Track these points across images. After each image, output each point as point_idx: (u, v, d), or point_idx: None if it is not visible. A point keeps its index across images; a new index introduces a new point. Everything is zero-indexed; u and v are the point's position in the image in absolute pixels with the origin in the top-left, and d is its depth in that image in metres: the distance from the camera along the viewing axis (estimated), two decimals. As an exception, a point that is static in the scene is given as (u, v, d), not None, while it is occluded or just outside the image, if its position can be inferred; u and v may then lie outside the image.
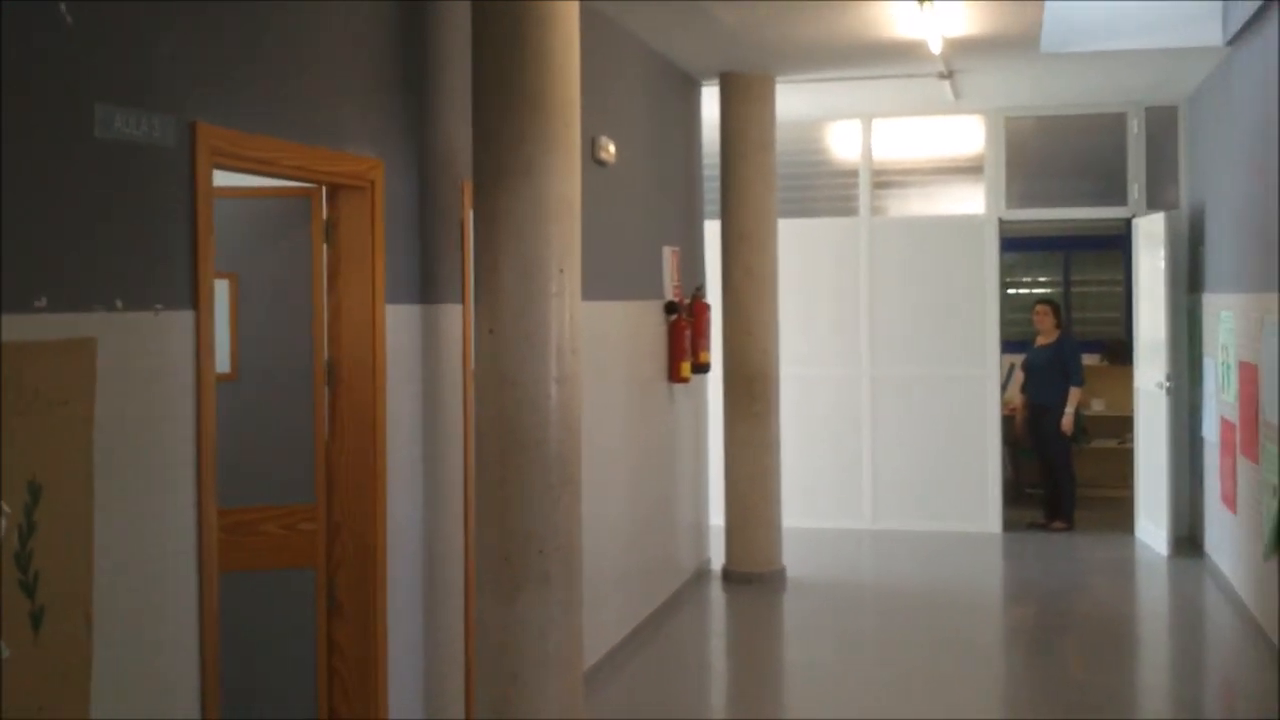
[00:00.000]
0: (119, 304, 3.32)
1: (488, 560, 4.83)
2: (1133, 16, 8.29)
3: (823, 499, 10.73)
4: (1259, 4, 7.13)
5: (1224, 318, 8.47)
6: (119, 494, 3.30)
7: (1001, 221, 10.71)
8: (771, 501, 9.04)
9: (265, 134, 4.00)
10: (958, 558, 9.84)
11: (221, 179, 3.98)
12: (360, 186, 4.59)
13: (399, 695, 4.78)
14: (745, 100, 8.99)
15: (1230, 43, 8.12)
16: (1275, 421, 6.84)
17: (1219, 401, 8.65)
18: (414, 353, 4.95)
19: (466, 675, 5.28)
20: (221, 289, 4.62)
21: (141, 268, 3.43)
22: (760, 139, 9.01)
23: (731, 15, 7.30)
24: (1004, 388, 10.99)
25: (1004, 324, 10.78)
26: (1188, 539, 9.84)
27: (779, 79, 9.08)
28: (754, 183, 8.99)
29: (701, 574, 9.10)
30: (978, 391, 10.62)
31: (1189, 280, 10.01)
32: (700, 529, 9.24)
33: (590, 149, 6.70)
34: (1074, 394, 10.49)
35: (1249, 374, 7.55)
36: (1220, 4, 8.17)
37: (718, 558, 9.24)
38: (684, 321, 8.37)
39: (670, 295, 8.34)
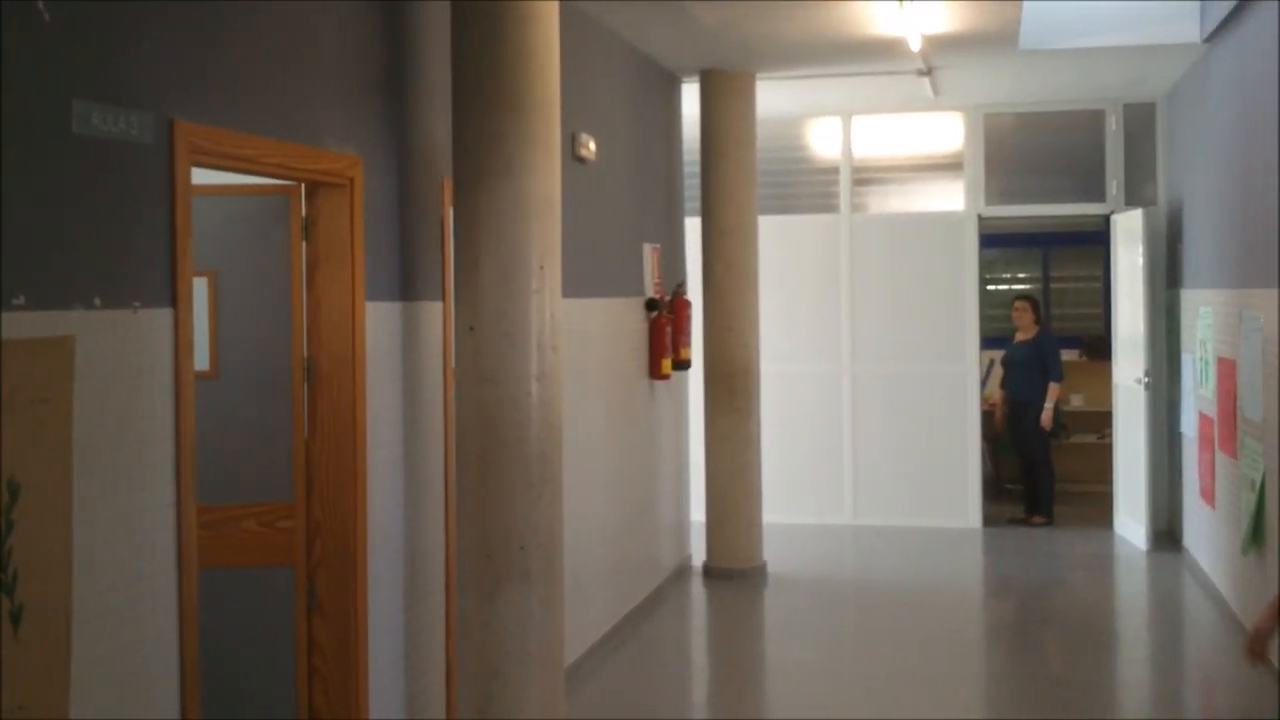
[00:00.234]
0: (97, 302, 3.30)
1: (469, 558, 4.83)
2: (1111, 14, 8.33)
3: (804, 495, 10.76)
4: (1236, 1, 7.17)
5: (1202, 313, 8.52)
6: (98, 492, 3.29)
7: (981, 218, 10.75)
8: (752, 497, 9.06)
9: (244, 131, 3.99)
10: (938, 553, 9.87)
11: (201, 176, 3.97)
12: (340, 184, 4.58)
13: (379, 693, 4.77)
14: (726, 97, 9.00)
15: (1207, 40, 8.16)
16: (1253, 417, 6.88)
17: (1197, 397, 8.70)
18: (394, 350, 4.95)
19: (448, 673, 5.28)
20: (200, 287, 4.58)
21: (120, 265, 3.42)
22: (741, 136, 9.02)
23: (711, 13, 7.30)
24: (984, 383, 11.03)
25: (983, 320, 10.82)
26: (1166, 534, 9.89)
27: (759, 76, 9.09)
28: (735, 180, 9.00)
29: (683, 570, 9.12)
30: (958, 387, 10.66)
31: (1167, 276, 10.06)
32: (681, 525, 9.25)
33: (570, 146, 6.70)
34: (1053, 389, 10.53)
35: (1227, 369, 7.60)
36: (1197, 2, 8.21)
37: (699, 554, 9.26)
38: (665, 318, 8.38)
39: (651, 292, 8.34)
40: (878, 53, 8.41)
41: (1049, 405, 10.49)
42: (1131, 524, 9.97)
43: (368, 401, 4.68)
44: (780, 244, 10.58)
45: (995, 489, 11.56)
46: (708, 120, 9.04)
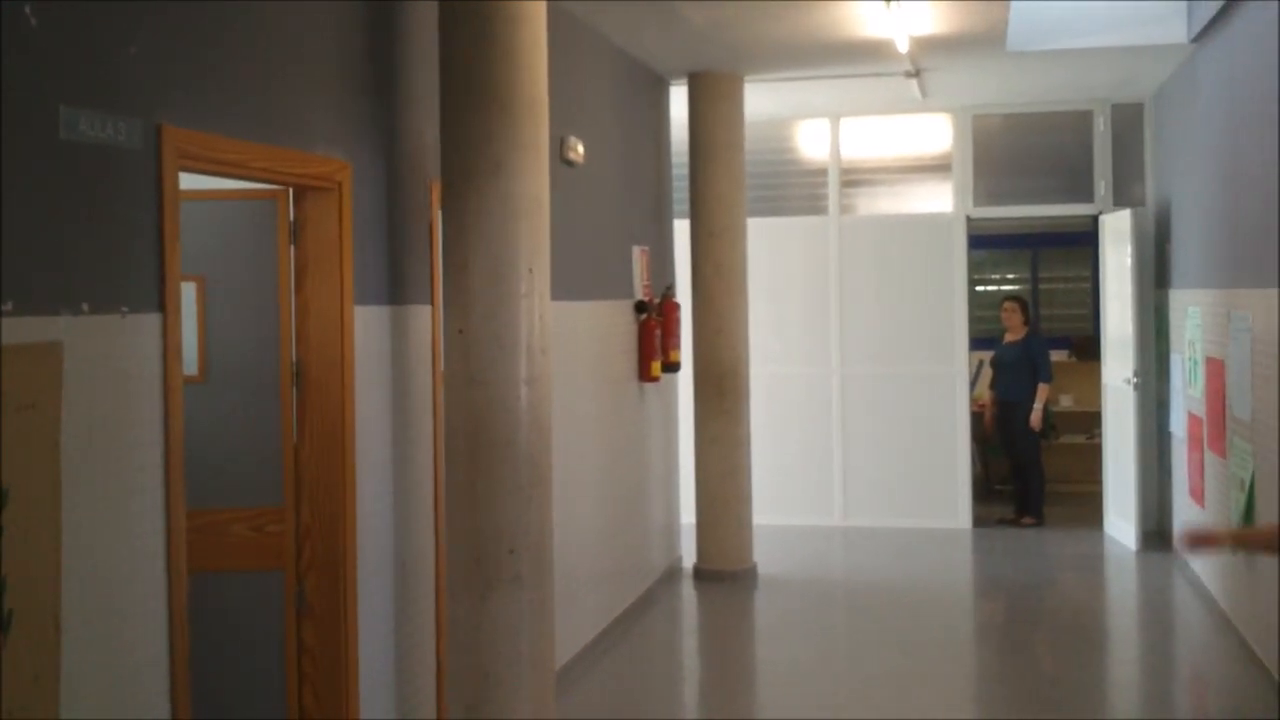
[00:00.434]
0: (85, 307, 3.30)
1: (458, 561, 4.83)
2: (1098, 14, 8.35)
3: (793, 496, 10.77)
4: (1223, 2, 7.19)
5: (1191, 314, 8.54)
6: (87, 497, 3.29)
7: (969, 219, 10.77)
8: (742, 499, 9.07)
9: (232, 136, 3.99)
10: (928, 554, 9.89)
11: (190, 181, 3.97)
12: (327, 188, 4.58)
13: (370, 697, 4.77)
14: (714, 99, 9.01)
15: (1195, 40, 8.19)
16: (1242, 416, 6.90)
17: (1186, 397, 8.73)
18: (383, 354, 4.94)
19: (438, 676, 5.28)
20: (189, 291, 4.60)
21: (108, 271, 3.42)
22: (729, 138, 9.03)
23: (700, 15, 7.31)
24: (973, 384, 11.05)
25: (972, 321, 10.84)
26: (1156, 533, 9.91)
27: (747, 78, 9.10)
28: (723, 182, 9.01)
29: (673, 572, 9.12)
30: (947, 388, 10.67)
31: (1156, 276, 10.09)
32: (671, 527, 9.25)
33: (559, 149, 6.70)
34: (1042, 390, 10.55)
35: (1216, 369, 7.62)
36: (1185, 2, 8.24)
37: (689, 556, 9.26)
38: (654, 321, 8.39)
39: (640, 295, 8.35)
40: (865, 54, 8.42)
41: (1038, 406, 10.51)
42: (1121, 524, 10.00)
43: (357, 405, 4.67)
44: (769, 246, 10.60)
45: (985, 490, 11.58)
46: (696, 122, 9.05)
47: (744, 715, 6.65)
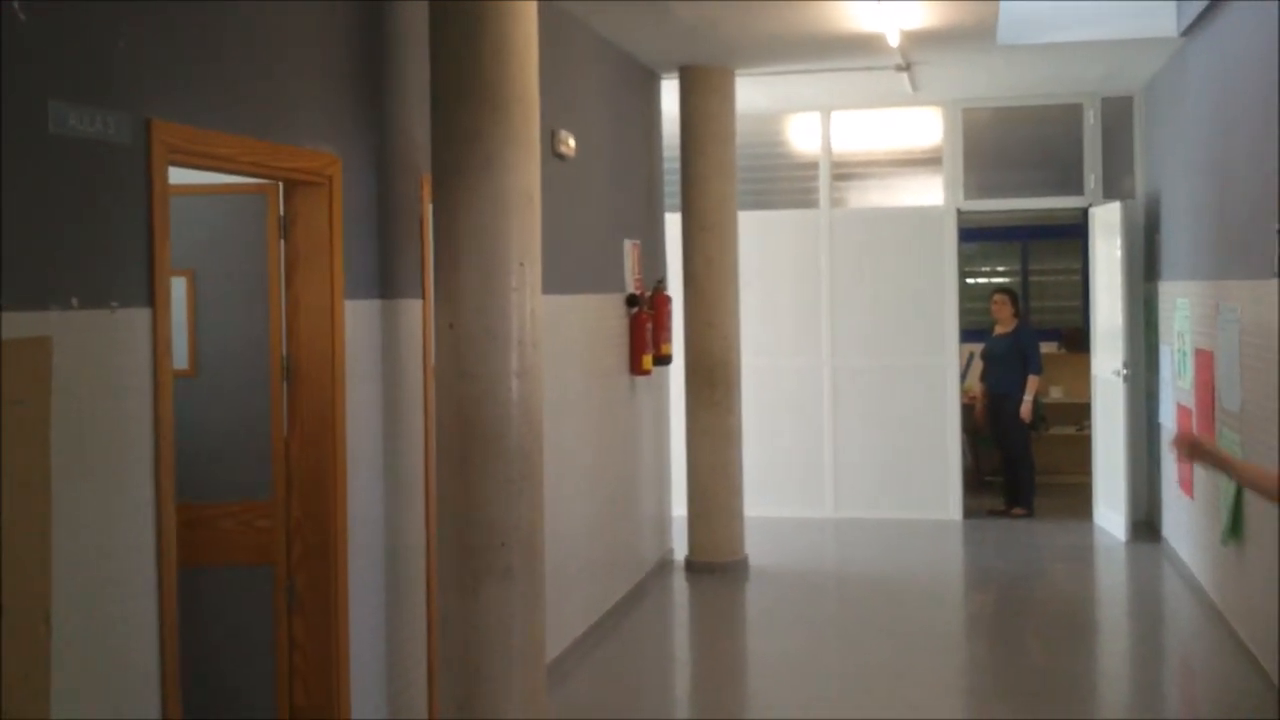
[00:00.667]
0: (75, 302, 3.30)
1: (449, 554, 4.84)
2: (1088, 8, 8.37)
3: (785, 488, 10.78)
4: (1211, -4, 7.21)
5: (1180, 305, 8.57)
6: (77, 492, 3.29)
7: (960, 212, 10.78)
8: (734, 491, 9.08)
9: (222, 130, 3.98)
10: (919, 545, 9.91)
11: (180, 175, 3.97)
12: (318, 182, 4.58)
13: (361, 691, 4.78)
14: (705, 93, 9.01)
15: (1184, 33, 8.20)
16: (1231, 407, 6.92)
17: (1175, 388, 8.75)
18: (374, 348, 4.95)
19: (429, 670, 5.29)
20: (179, 286, 4.60)
21: (97, 266, 3.42)
22: (720, 132, 9.04)
23: (690, 9, 7.31)
24: (963, 377, 11.07)
25: (963, 313, 10.86)
26: (1145, 524, 9.95)
27: (738, 72, 9.10)
28: (714, 175, 9.02)
29: (664, 564, 9.13)
30: (937, 380, 10.70)
31: (1145, 269, 10.11)
32: (663, 520, 9.26)
33: (550, 143, 6.70)
34: (1032, 382, 10.58)
35: (1205, 361, 7.65)
36: (1174, -5, 8.26)
37: (681, 548, 9.28)
38: (645, 314, 8.39)
39: (631, 288, 8.35)
40: (856, 48, 8.43)
41: (1028, 398, 10.54)
42: (1111, 515, 10.03)
43: (347, 400, 4.68)
44: (760, 239, 10.61)
45: (975, 481, 11.61)
46: (687, 116, 9.05)
47: (735, 707, 6.67)
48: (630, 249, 8.39)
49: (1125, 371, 9.75)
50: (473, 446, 4.78)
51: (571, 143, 7.04)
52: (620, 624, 7.72)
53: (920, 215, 10.82)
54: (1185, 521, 8.56)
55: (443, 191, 4.86)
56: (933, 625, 7.87)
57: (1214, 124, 7.62)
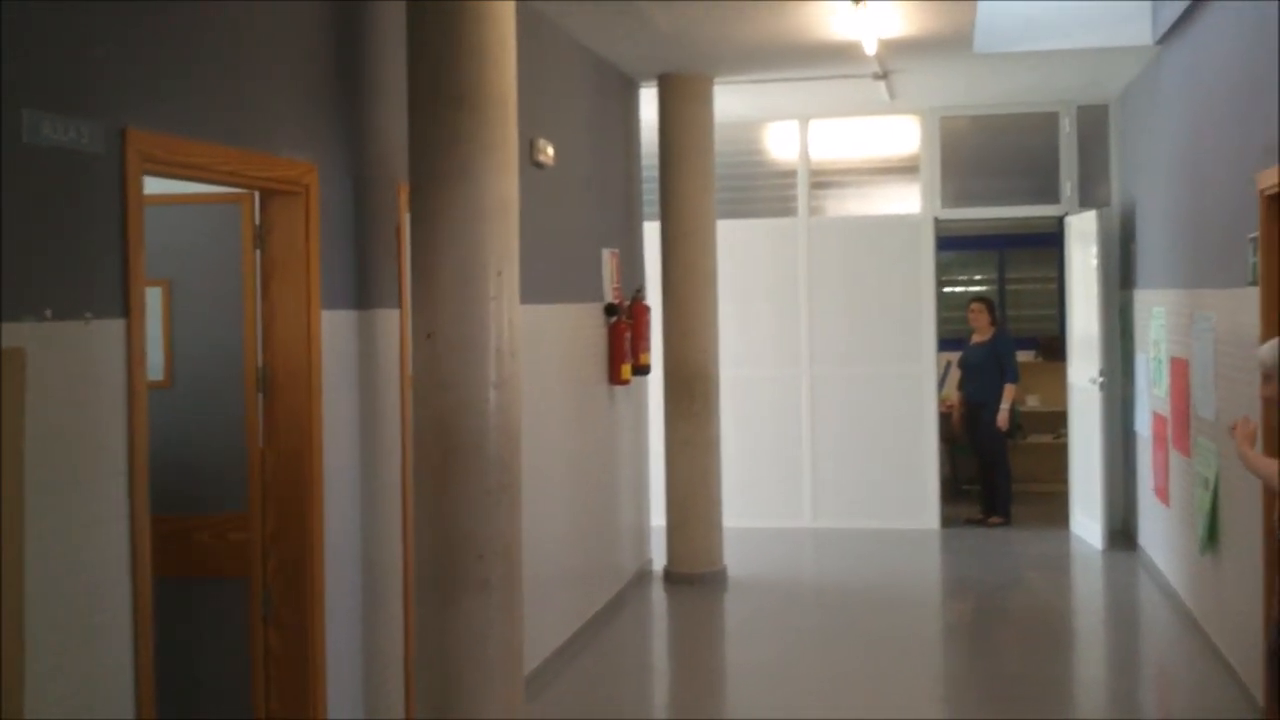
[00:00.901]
0: (49, 313, 3.27)
1: (427, 566, 4.81)
2: (1064, 16, 8.40)
3: (763, 498, 10.78)
4: (1187, 4, 7.25)
5: (1156, 313, 8.60)
6: (51, 504, 3.26)
7: (937, 220, 10.81)
8: (712, 502, 9.07)
9: (197, 139, 3.96)
10: (897, 554, 9.92)
11: (157, 185, 3.94)
12: (294, 191, 4.55)
13: (338, 703, 4.75)
14: (683, 101, 9.01)
15: (1160, 42, 8.25)
16: (1206, 415, 6.95)
17: (1151, 396, 8.79)
18: (350, 358, 4.92)
19: (406, 682, 5.25)
20: (155, 296, 4.57)
21: (71, 276, 3.39)
22: (699, 140, 9.04)
23: (669, 16, 7.31)
24: (941, 385, 11.09)
25: (940, 322, 10.88)
26: (1121, 532, 9.98)
27: (717, 80, 9.11)
28: (693, 184, 9.01)
29: (643, 575, 9.11)
30: (915, 389, 10.71)
31: (1121, 277, 10.16)
32: (641, 530, 9.24)
33: (528, 151, 6.68)
34: (1009, 390, 10.61)
35: (1180, 369, 7.68)
36: (1150, 4, 8.30)
37: (659, 559, 9.26)
38: (624, 323, 8.38)
39: (610, 297, 8.34)
40: (834, 57, 8.44)
41: (1005, 406, 10.57)
42: (1087, 523, 10.06)
43: (324, 410, 4.64)
44: (739, 248, 10.61)
45: (953, 490, 11.63)
46: (666, 124, 9.05)
47: (713, 717, 6.65)
48: (609, 258, 8.38)
49: (1101, 380, 9.79)
50: (451, 457, 4.76)
51: (550, 151, 7.03)
52: (598, 635, 7.69)
53: (898, 224, 10.84)
54: (1161, 530, 8.59)
55: (420, 200, 4.84)
56: (910, 634, 7.87)
57: (1188, 132, 7.66)
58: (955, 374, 11.25)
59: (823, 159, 11.01)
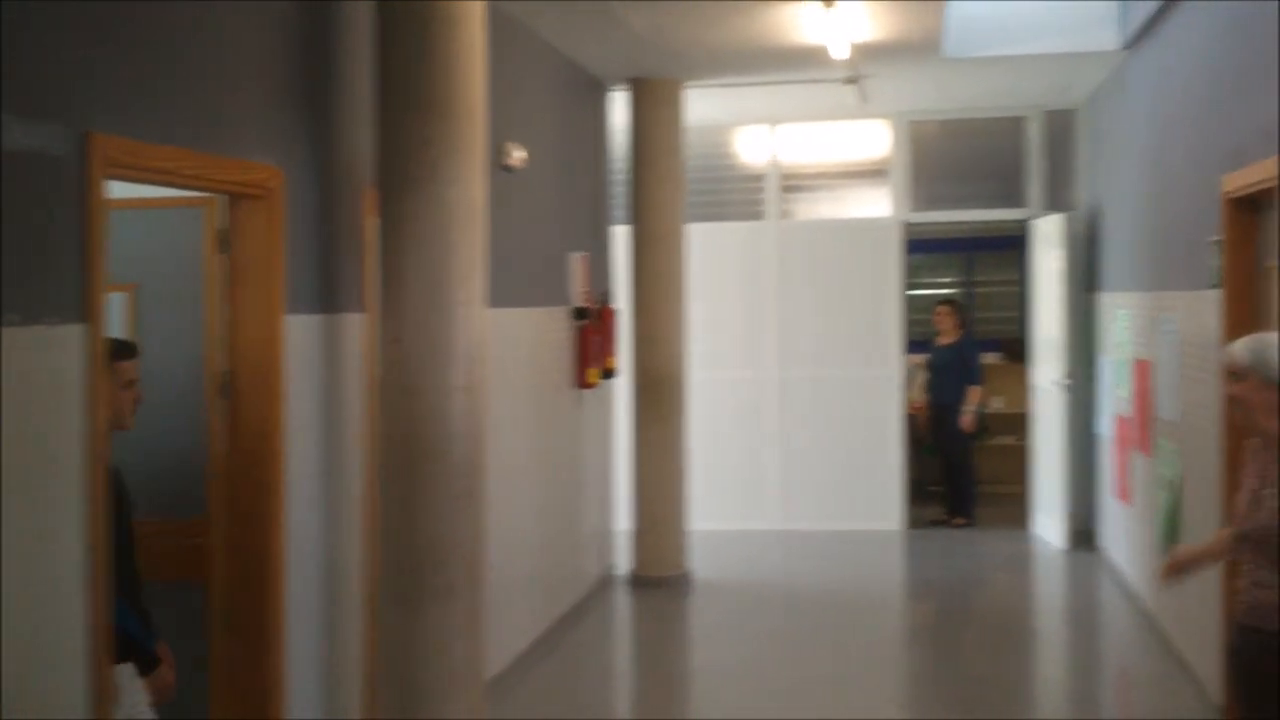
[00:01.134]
0: (10, 319, 3.25)
1: (391, 572, 4.80)
2: (1033, 22, 8.46)
3: (730, 501, 10.80)
4: (1153, 10, 7.31)
5: (1120, 316, 8.67)
6: (9, 508, 3.24)
7: (906, 224, 10.86)
8: (678, 505, 9.08)
9: (162, 143, 3.94)
10: (862, 556, 9.97)
11: (125, 189, 3.93)
12: (260, 195, 4.54)
13: (297, 709, 4.73)
14: (654, 105, 9.02)
15: (1126, 48, 8.32)
16: (1169, 417, 7.02)
17: (1114, 398, 8.86)
18: (315, 363, 4.90)
19: (368, 690, 5.24)
20: (120, 301, 4.55)
21: (34, 281, 3.37)
22: (669, 144, 9.05)
23: (639, 20, 7.32)
24: (907, 387, 11.14)
25: (908, 325, 10.94)
26: (1083, 533, 10.05)
27: (687, 84, 9.12)
28: (662, 187, 9.02)
29: (608, 579, 9.12)
30: (882, 392, 10.77)
31: (1086, 280, 10.23)
32: (607, 534, 9.25)
33: (497, 155, 6.68)
34: (973, 392, 10.68)
35: (1144, 371, 7.75)
36: (1117, 10, 8.37)
37: (625, 563, 9.27)
38: (592, 327, 8.38)
39: (578, 301, 8.34)
40: (804, 61, 8.47)
41: (970, 408, 10.63)
42: (1049, 524, 10.13)
43: (287, 415, 4.63)
44: (708, 251, 10.62)
45: (918, 491, 11.68)
46: (636, 128, 9.06)
47: (678, 719, 6.67)
48: (577, 262, 8.38)
49: (1065, 382, 9.86)
50: (416, 463, 4.75)
51: (519, 154, 7.02)
52: (563, 639, 7.69)
53: (867, 227, 10.89)
54: (1123, 530, 8.67)
55: (387, 204, 4.84)
56: (875, 635, 7.92)
57: (1153, 137, 7.72)
58: (922, 376, 11.31)
59: (793, 163, 11.04)
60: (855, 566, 9.67)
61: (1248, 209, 5.70)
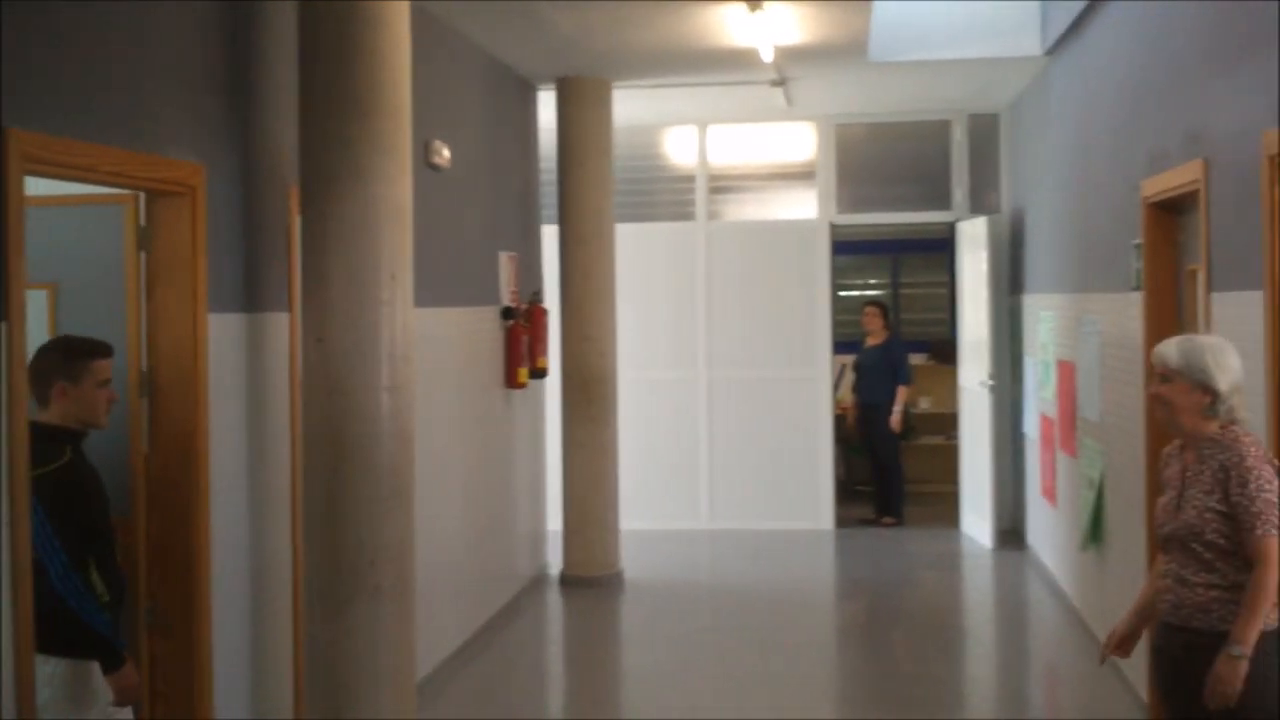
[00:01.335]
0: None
1: (317, 574, 4.76)
2: (956, 26, 8.56)
3: (661, 501, 10.81)
4: (1075, 15, 7.42)
5: (1044, 318, 8.79)
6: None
7: (833, 226, 10.94)
8: (609, 505, 9.07)
9: (81, 139, 3.87)
10: (791, 555, 10.02)
11: (43, 186, 3.85)
12: (181, 192, 4.48)
13: (225, 710, 4.68)
14: (582, 105, 9.01)
15: (1048, 53, 8.44)
16: (1091, 417, 7.12)
17: (1039, 399, 8.98)
18: (238, 363, 4.85)
19: (296, 690, 5.19)
20: (41, 299, 4.47)
21: (-54, 278, 3.30)
22: (597, 144, 9.04)
23: (567, 21, 7.31)
24: (836, 387, 11.22)
25: (836, 325, 11.01)
26: (1010, 532, 10.18)
27: (616, 84, 9.12)
28: (592, 187, 9.01)
29: (539, 579, 9.09)
30: (810, 392, 10.83)
31: (1011, 282, 10.36)
32: (538, 534, 9.22)
33: (423, 153, 6.64)
34: (902, 392, 10.78)
35: (1067, 372, 7.86)
36: (1039, 14, 8.49)
37: (556, 563, 9.25)
38: (521, 327, 8.35)
39: (507, 300, 8.31)
40: (732, 63, 8.50)
41: (898, 408, 10.73)
42: (977, 523, 10.25)
43: (210, 415, 4.57)
44: (637, 252, 10.62)
45: (847, 491, 11.77)
46: (565, 128, 9.04)
47: (610, 718, 6.67)
48: (506, 261, 8.35)
49: (991, 382, 9.98)
50: (342, 463, 4.71)
51: (446, 153, 6.98)
52: (493, 640, 7.66)
53: (795, 228, 10.95)
54: (1048, 528, 8.79)
55: (311, 202, 4.79)
56: (805, 634, 7.96)
57: (1075, 141, 7.84)
58: (850, 377, 11.39)
59: (721, 164, 11.09)
60: (785, 566, 9.71)
61: (1169, 212, 5.80)
